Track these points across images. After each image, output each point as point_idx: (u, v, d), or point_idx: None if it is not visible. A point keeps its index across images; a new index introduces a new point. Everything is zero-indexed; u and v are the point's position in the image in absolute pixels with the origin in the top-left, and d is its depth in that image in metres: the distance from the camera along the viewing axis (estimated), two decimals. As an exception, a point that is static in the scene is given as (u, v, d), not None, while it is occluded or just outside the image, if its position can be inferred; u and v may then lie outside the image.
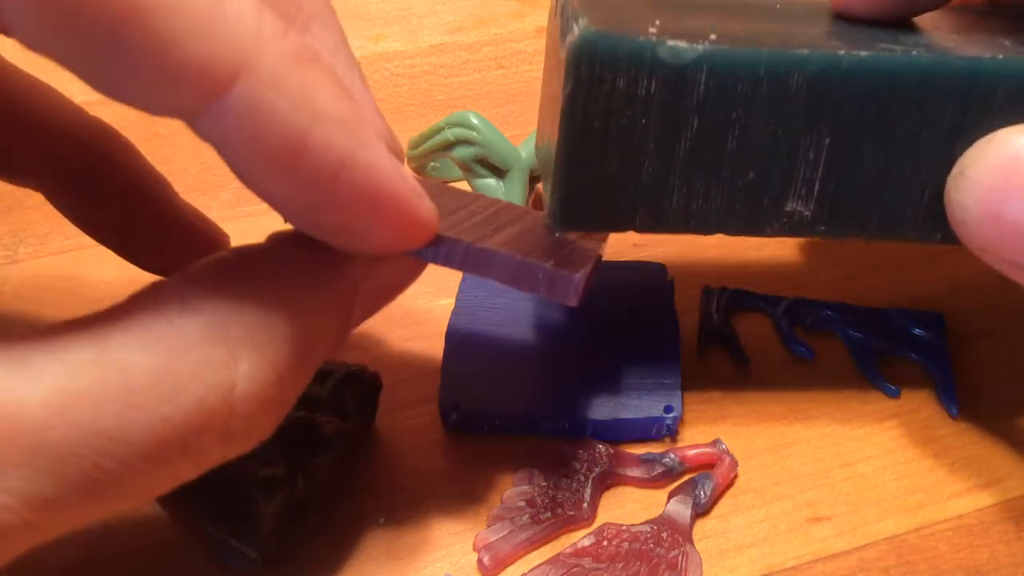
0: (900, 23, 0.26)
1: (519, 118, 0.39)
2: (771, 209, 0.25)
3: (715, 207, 0.25)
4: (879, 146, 0.24)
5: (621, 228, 0.25)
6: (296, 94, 0.17)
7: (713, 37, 0.23)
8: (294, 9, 0.20)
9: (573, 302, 0.22)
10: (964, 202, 0.23)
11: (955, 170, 0.24)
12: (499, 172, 0.32)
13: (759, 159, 0.24)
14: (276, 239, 0.20)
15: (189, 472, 0.18)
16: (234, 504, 0.24)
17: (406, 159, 0.35)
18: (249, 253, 0.19)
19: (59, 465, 0.16)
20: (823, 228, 0.25)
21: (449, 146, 0.32)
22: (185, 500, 0.25)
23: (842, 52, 0.23)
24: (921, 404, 0.29)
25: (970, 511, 0.26)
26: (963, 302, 0.32)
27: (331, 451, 0.25)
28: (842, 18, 0.26)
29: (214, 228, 0.28)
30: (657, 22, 0.24)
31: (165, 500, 0.25)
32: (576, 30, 0.23)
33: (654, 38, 0.23)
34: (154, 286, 0.18)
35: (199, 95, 0.16)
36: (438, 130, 0.32)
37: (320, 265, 0.20)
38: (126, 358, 0.17)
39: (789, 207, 0.25)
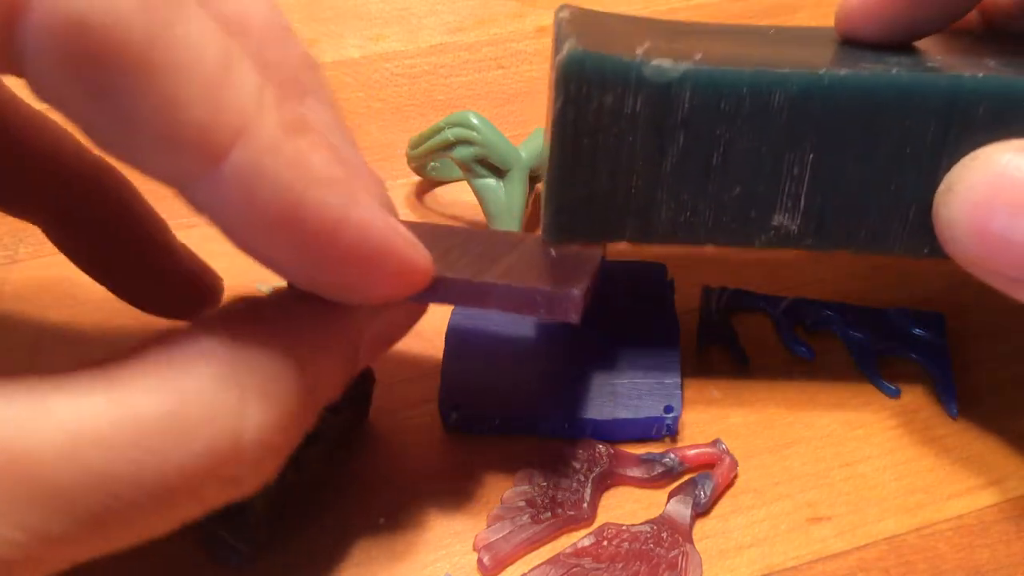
0: (901, 47, 0.26)
1: (519, 118, 0.39)
2: (758, 223, 0.26)
3: (703, 220, 0.26)
4: (863, 162, 0.25)
5: (612, 239, 0.26)
6: (292, 159, 0.17)
7: (698, 56, 0.24)
8: (291, 83, 0.21)
9: (574, 319, 0.22)
10: (952, 217, 0.24)
11: (942, 187, 0.24)
12: (499, 172, 0.32)
13: (744, 175, 0.25)
14: (283, 291, 0.21)
15: (195, 512, 0.18)
16: None
17: (407, 159, 0.35)
18: (259, 304, 0.20)
19: (69, 505, 0.16)
20: (810, 242, 0.26)
21: (449, 146, 0.32)
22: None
23: (823, 71, 0.24)
24: (921, 404, 0.29)
25: (970, 511, 0.26)
26: (963, 302, 0.32)
27: (322, 444, 0.25)
28: (844, 43, 0.27)
29: (209, 272, 0.29)
30: (646, 44, 0.24)
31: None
32: (565, 49, 0.24)
33: (640, 57, 0.24)
34: (168, 333, 0.18)
35: (198, 159, 0.16)
36: (438, 130, 0.32)
37: (326, 315, 0.20)
38: (139, 403, 0.17)
39: (776, 221, 0.26)
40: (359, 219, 0.18)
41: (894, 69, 0.24)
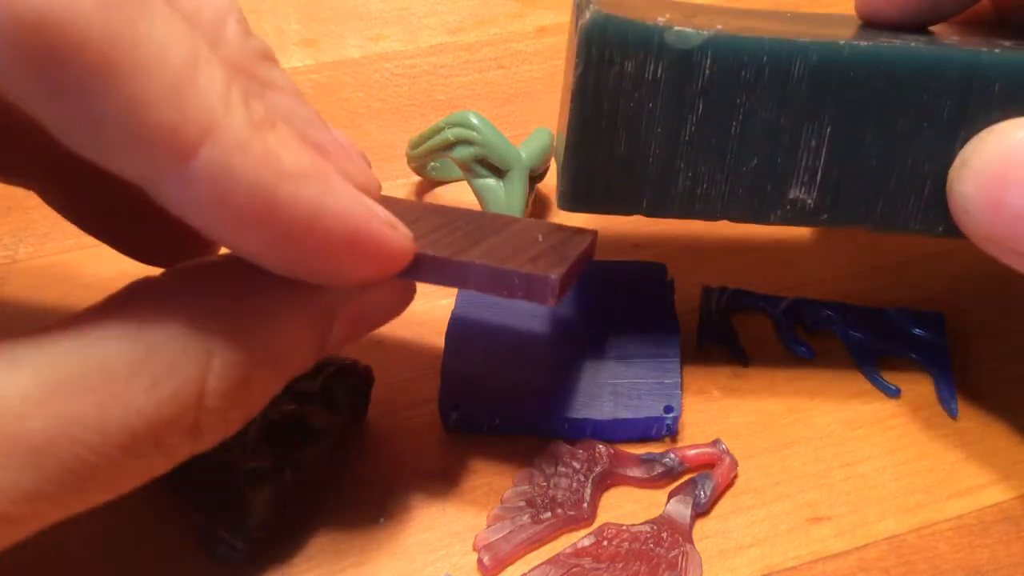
0: (918, 31, 0.27)
1: (519, 118, 0.39)
2: (775, 196, 0.26)
3: (720, 192, 0.26)
4: (880, 136, 0.25)
5: (628, 211, 0.26)
6: (262, 155, 0.17)
7: (719, 26, 0.24)
8: (252, 76, 0.21)
9: (551, 303, 0.22)
10: (966, 191, 0.24)
11: (957, 161, 0.24)
12: (499, 172, 0.32)
13: (762, 145, 0.25)
14: None
15: (161, 465, 0.19)
16: (223, 495, 0.24)
17: (407, 159, 0.35)
18: (233, 261, 0.20)
19: (37, 455, 0.16)
20: (826, 217, 0.26)
21: (449, 146, 0.32)
22: (174, 491, 0.25)
23: (842, 42, 0.24)
24: (921, 404, 0.29)
25: (970, 511, 0.26)
26: (963, 302, 0.32)
27: (320, 444, 0.25)
28: (863, 26, 0.27)
29: None
30: (667, 15, 0.25)
31: (160, 489, 0.25)
32: (587, 15, 0.24)
33: (662, 24, 0.24)
34: (138, 283, 0.19)
35: (165, 158, 0.16)
36: (438, 130, 0.32)
37: (299, 283, 0.20)
38: (107, 349, 0.17)
39: (792, 195, 0.26)
40: (335, 208, 0.18)
41: (913, 43, 0.24)
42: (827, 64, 0.24)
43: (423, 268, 0.22)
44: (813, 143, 0.25)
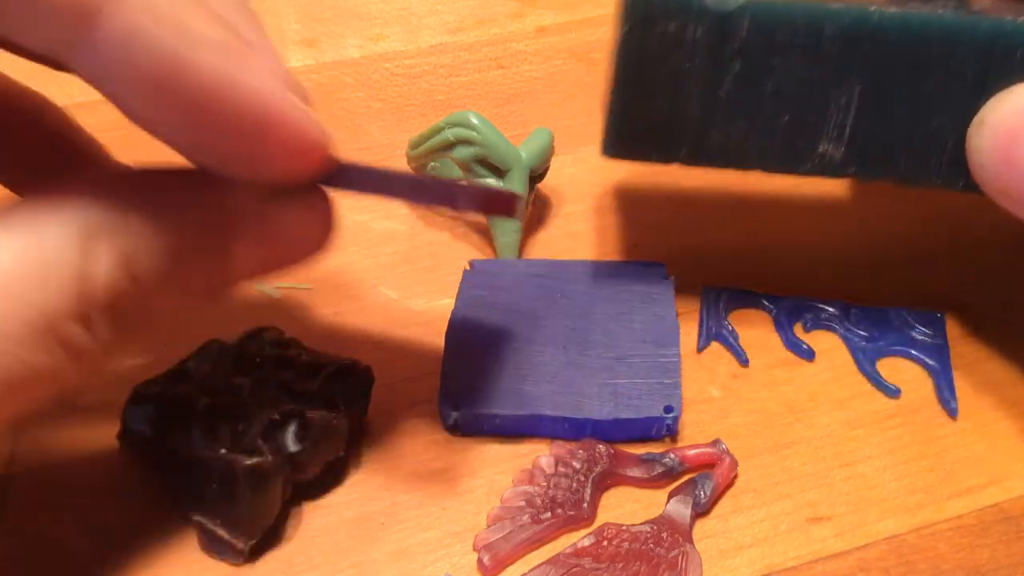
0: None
1: (519, 118, 0.39)
2: (805, 149, 0.27)
3: (753, 144, 0.27)
4: (906, 97, 0.26)
5: (667, 160, 0.28)
6: (169, 19, 0.17)
7: None
8: None
9: (476, 210, 0.22)
10: (982, 146, 0.25)
11: (976, 119, 0.26)
12: (499, 172, 0.32)
13: (794, 103, 0.27)
14: (165, 166, 0.21)
15: (70, 371, 0.19)
16: (223, 495, 0.24)
17: (407, 159, 0.35)
18: (125, 170, 0.20)
19: None
20: (853, 170, 0.28)
21: (449, 146, 0.32)
22: (174, 491, 0.25)
23: (873, 8, 0.26)
24: (921, 404, 0.29)
25: (970, 511, 0.26)
26: (963, 302, 0.32)
27: (320, 444, 0.25)
28: None
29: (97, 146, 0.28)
30: None
31: (161, 489, 0.25)
32: None
33: None
34: (34, 190, 0.20)
35: (70, 22, 0.17)
36: (438, 130, 0.32)
37: (190, 190, 0.21)
38: (2, 247, 0.18)
39: (822, 148, 0.27)
40: (246, 84, 0.18)
41: (940, 10, 0.25)
42: (857, 29, 0.26)
43: (350, 176, 0.22)
44: (843, 101, 0.27)
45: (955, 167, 0.27)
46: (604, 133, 0.28)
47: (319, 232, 0.23)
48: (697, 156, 0.28)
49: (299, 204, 0.22)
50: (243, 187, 0.21)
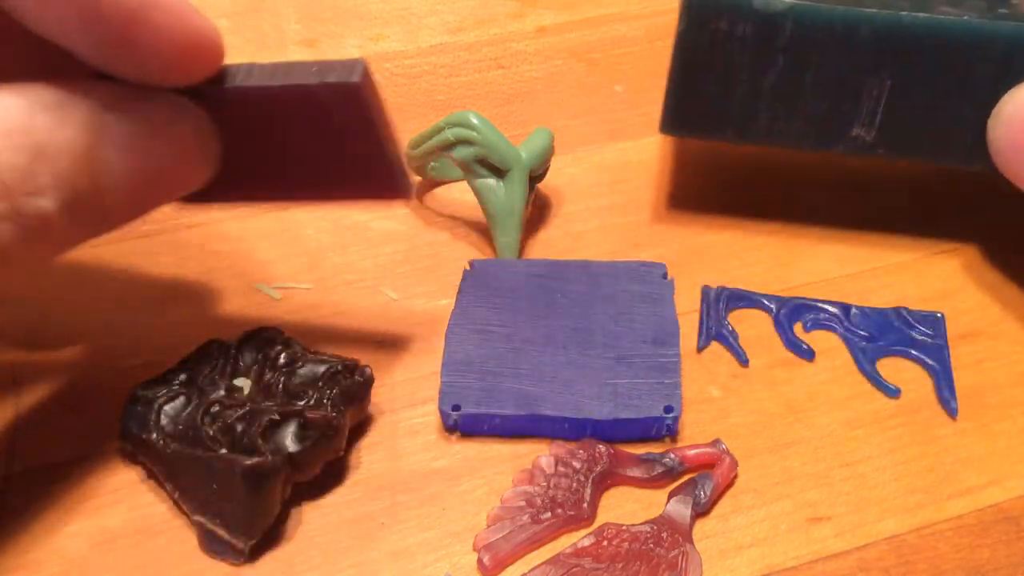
0: None
1: (519, 118, 0.39)
2: (839, 133, 0.31)
3: (794, 127, 0.31)
4: (931, 90, 0.30)
5: (717, 138, 0.32)
6: None
7: None
8: None
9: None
10: (998, 135, 0.29)
11: (994, 111, 0.29)
12: (499, 172, 0.32)
13: (831, 93, 0.30)
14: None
15: (11, 235, 0.21)
16: (223, 495, 0.24)
17: (406, 159, 0.35)
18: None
19: None
20: (882, 151, 0.31)
21: (449, 146, 0.32)
22: (175, 492, 0.25)
23: (904, 13, 0.29)
24: (921, 404, 0.29)
25: (970, 511, 0.26)
26: (963, 302, 0.32)
27: (320, 444, 0.25)
28: None
29: None
30: None
31: (161, 490, 0.25)
32: None
33: None
34: None
35: None
36: (438, 130, 0.32)
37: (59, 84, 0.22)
38: None
39: (855, 132, 0.31)
40: None
41: (965, 16, 0.29)
42: (889, 30, 0.29)
43: (228, 95, 0.24)
44: (874, 92, 0.30)
45: (974, 150, 0.30)
46: (663, 112, 0.31)
47: (195, 157, 0.24)
48: (743, 135, 0.31)
49: (169, 107, 0.23)
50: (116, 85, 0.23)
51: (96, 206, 0.23)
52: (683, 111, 0.31)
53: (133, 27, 0.22)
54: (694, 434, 0.28)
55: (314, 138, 0.25)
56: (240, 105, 0.25)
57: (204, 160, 0.25)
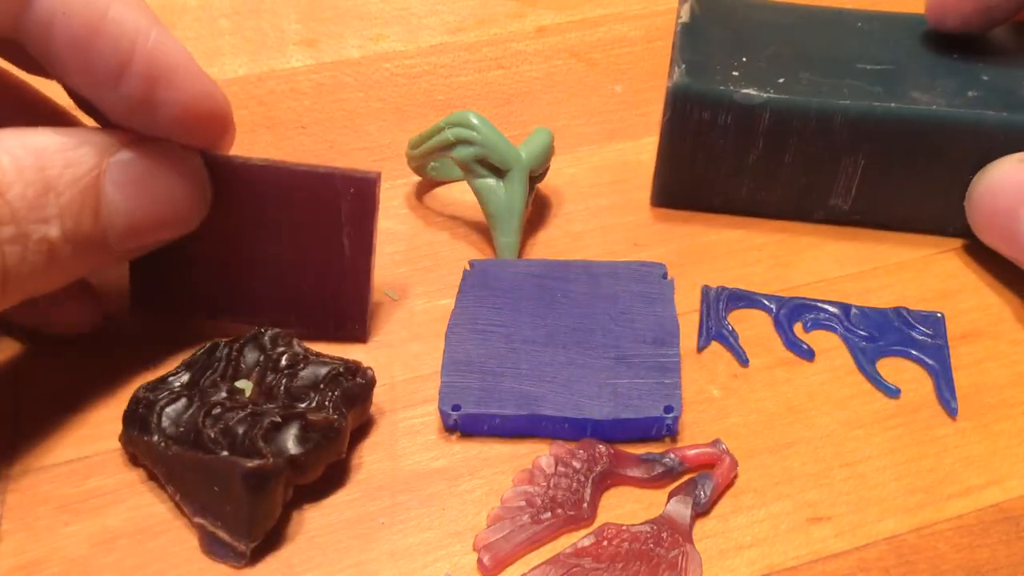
0: (980, 38, 0.34)
1: (519, 118, 0.39)
2: (818, 202, 0.33)
3: (774, 199, 0.34)
4: (904, 168, 0.32)
5: (703, 210, 0.34)
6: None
7: (781, 81, 0.32)
8: None
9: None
10: (972, 212, 0.32)
11: (968, 190, 0.32)
12: (499, 172, 0.32)
13: (809, 170, 0.33)
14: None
15: (18, 257, 0.23)
16: (223, 496, 0.24)
17: (406, 159, 0.35)
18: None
19: None
20: (858, 218, 0.34)
21: (449, 146, 0.32)
22: (175, 492, 0.25)
23: (876, 104, 0.31)
24: (921, 404, 0.29)
25: (970, 511, 0.26)
26: (963, 302, 0.32)
27: (322, 446, 0.25)
28: (926, 36, 0.34)
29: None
30: (744, 59, 0.32)
31: (161, 490, 0.25)
32: (675, 77, 0.32)
33: (731, 85, 0.31)
34: None
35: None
36: (438, 130, 0.32)
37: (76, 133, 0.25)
38: None
39: (832, 202, 0.33)
40: (158, 35, 0.24)
41: (935, 104, 0.31)
42: (862, 119, 0.31)
43: (235, 168, 0.27)
44: (850, 170, 0.32)
45: (944, 219, 0.33)
46: (653, 188, 0.34)
47: (189, 192, 0.27)
48: (728, 207, 0.34)
49: (170, 153, 0.26)
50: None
51: (98, 239, 0.25)
52: (671, 188, 0.34)
53: (158, 86, 0.25)
54: (694, 434, 0.28)
55: (307, 233, 0.28)
56: (245, 183, 0.27)
57: (200, 203, 0.27)
